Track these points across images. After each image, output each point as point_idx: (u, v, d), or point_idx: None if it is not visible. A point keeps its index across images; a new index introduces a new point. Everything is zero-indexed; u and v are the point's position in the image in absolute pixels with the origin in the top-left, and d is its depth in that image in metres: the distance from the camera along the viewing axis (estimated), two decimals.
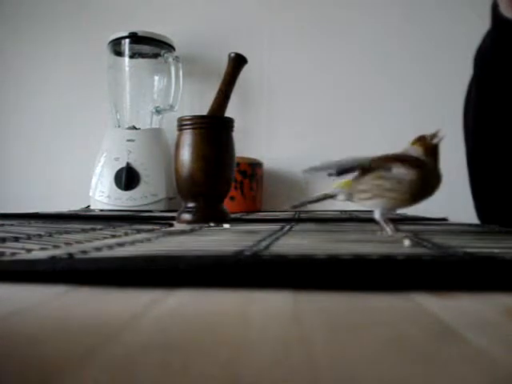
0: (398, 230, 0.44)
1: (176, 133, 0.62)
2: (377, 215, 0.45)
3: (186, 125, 0.61)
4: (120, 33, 1.13)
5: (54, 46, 1.33)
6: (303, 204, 0.51)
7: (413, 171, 0.42)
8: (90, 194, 1.09)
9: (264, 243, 0.33)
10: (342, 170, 0.46)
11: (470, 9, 1.15)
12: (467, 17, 1.16)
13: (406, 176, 0.43)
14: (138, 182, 1.05)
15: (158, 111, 1.18)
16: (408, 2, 1.23)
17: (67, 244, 0.34)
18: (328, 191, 0.47)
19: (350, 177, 0.46)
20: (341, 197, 0.47)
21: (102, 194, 1.07)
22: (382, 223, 0.45)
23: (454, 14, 1.20)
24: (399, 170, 0.43)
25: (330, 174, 0.47)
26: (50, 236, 0.39)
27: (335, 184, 0.47)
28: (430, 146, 0.45)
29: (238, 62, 0.66)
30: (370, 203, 0.45)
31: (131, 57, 1.18)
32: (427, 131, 0.49)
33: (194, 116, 0.62)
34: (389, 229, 0.44)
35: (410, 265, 0.22)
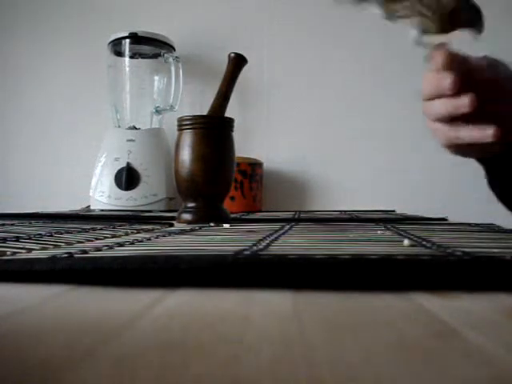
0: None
1: (176, 133, 0.62)
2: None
3: (185, 125, 0.61)
4: (120, 33, 1.13)
5: (55, 46, 1.33)
6: None
7: None
8: (90, 193, 1.09)
9: (264, 243, 0.33)
10: None
11: None
12: None
13: None
14: (138, 182, 1.05)
15: (157, 111, 1.18)
16: None
17: (68, 244, 0.34)
18: None
19: None
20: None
21: (103, 194, 1.07)
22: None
23: None
24: None
25: None
26: (51, 236, 0.39)
27: None
28: None
29: (238, 62, 0.66)
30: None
31: (131, 57, 1.18)
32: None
33: (194, 116, 0.62)
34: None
35: (409, 265, 0.22)
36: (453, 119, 0.47)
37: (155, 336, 0.15)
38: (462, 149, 0.50)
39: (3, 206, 1.19)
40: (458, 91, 0.45)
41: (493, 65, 0.48)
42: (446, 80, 0.45)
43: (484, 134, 0.46)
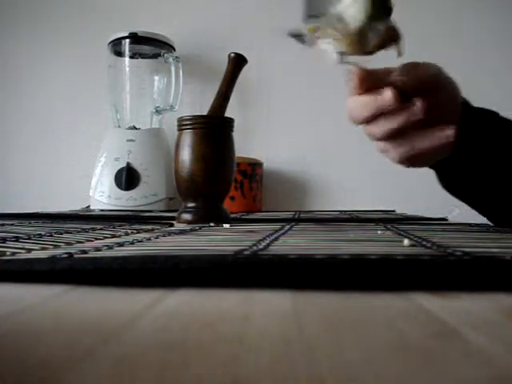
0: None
1: (176, 133, 0.62)
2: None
3: (185, 125, 0.61)
4: (120, 33, 1.13)
5: (55, 46, 1.33)
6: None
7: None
8: (90, 193, 1.09)
9: (264, 243, 0.33)
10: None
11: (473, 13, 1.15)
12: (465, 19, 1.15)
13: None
14: (138, 182, 1.05)
15: (157, 111, 1.18)
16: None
17: (67, 244, 0.34)
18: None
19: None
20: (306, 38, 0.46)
21: (102, 194, 1.07)
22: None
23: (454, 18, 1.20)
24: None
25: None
26: (51, 236, 0.39)
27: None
28: None
29: (238, 62, 0.66)
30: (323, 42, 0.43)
31: (131, 57, 1.18)
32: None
33: (194, 116, 0.62)
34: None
35: (409, 265, 0.22)
36: (402, 132, 0.45)
37: (155, 336, 0.15)
38: (417, 159, 0.48)
39: (3, 206, 1.19)
40: (399, 103, 0.43)
41: (417, 72, 0.46)
42: (387, 95, 0.43)
43: (444, 135, 0.44)
